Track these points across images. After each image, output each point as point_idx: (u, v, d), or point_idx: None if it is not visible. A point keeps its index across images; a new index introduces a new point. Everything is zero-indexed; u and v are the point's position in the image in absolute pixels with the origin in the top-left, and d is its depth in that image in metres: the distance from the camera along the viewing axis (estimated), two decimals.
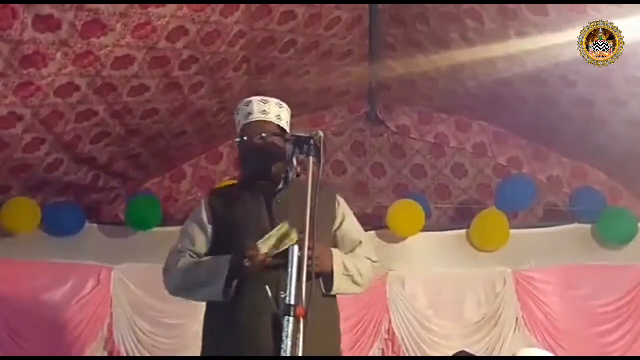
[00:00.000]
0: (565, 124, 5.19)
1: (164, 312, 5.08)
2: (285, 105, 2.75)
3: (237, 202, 2.65)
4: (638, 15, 3.33)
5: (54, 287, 5.05)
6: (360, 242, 2.75)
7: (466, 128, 6.18)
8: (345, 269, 2.57)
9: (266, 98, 2.71)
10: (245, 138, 2.63)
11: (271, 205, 2.60)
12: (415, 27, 4.89)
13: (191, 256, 2.64)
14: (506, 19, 4.14)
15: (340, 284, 2.55)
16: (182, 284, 2.60)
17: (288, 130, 2.71)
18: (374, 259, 2.76)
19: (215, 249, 2.65)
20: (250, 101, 2.69)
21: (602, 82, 4.27)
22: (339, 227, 2.74)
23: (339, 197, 2.81)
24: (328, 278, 2.52)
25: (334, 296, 2.64)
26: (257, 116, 2.65)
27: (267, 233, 2.42)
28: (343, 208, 2.79)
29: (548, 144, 5.89)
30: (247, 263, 2.36)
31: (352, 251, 2.71)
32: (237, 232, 2.58)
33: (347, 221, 2.78)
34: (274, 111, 2.68)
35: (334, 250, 2.60)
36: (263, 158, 2.58)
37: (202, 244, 2.67)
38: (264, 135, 2.55)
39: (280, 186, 2.61)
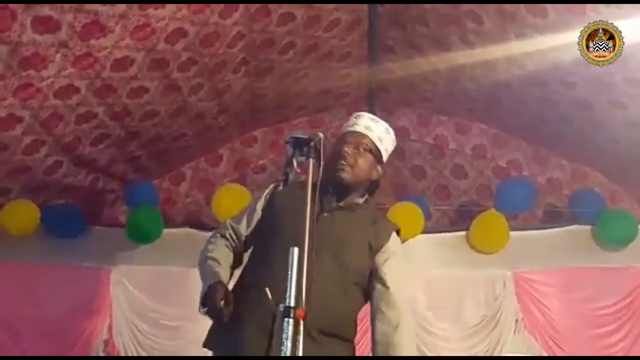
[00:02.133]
0: (564, 126, 5.19)
1: (163, 314, 5.08)
2: (392, 133, 2.66)
3: (291, 199, 2.50)
4: (637, 16, 3.33)
5: (54, 289, 5.04)
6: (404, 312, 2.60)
7: (465, 130, 6.18)
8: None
9: (377, 118, 2.64)
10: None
11: (320, 215, 2.48)
12: (415, 29, 4.89)
13: (230, 236, 2.62)
14: (505, 20, 4.14)
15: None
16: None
17: (384, 157, 2.63)
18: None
19: (255, 237, 2.63)
20: (362, 115, 2.64)
21: (602, 84, 4.27)
22: (378, 261, 2.57)
23: (395, 235, 2.63)
24: None
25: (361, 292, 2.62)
26: (360, 129, 2.59)
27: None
28: (394, 247, 2.61)
29: (548, 146, 5.88)
30: (201, 310, 2.33)
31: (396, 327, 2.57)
32: (275, 229, 2.54)
33: (392, 267, 2.58)
34: (377, 131, 2.61)
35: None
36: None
37: (244, 226, 2.64)
38: (364, 147, 2.51)
39: (281, 187, 2.54)
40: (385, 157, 2.64)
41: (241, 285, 2.52)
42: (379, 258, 2.57)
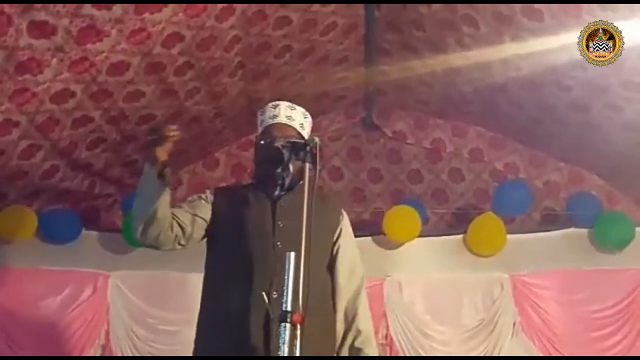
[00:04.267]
0: (561, 129, 5.20)
1: (161, 319, 5.07)
2: (309, 117, 2.75)
3: (241, 201, 2.66)
4: (633, 19, 3.33)
5: (51, 294, 5.03)
6: (362, 280, 2.76)
7: (462, 133, 6.18)
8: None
9: (293, 105, 2.71)
10: (262, 141, 2.63)
11: (275, 207, 2.60)
12: (411, 32, 4.89)
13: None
14: (501, 24, 4.15)
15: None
16: (138, 216, 2.65)
17: None
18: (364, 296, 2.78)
19: (214, 244, 2.68)
20: (278, 104, 2.69)
21: (598, 86, 4.28)
22: (337, 239, 2.74)
23: (343, 211, 2.82)
24: None
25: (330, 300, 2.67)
26: (282, 119, 2.65)
27: (268, 234, 2.47)
28: (345, 221, 2.80)
29: (544, 149, 5.89)
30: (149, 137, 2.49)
31: (355, 292, 2.71)
32: (237, 230, 2.59)
33: (346, 238, 2.77)
34: (298, 119, 2.68)
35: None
36: (279, 160, 2.53)
37: (205, 210, 2.72)
38: (289, 139, 2.53)
39: (277, 192, 2.61)
40: None
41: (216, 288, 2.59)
42: (336, 237, 2.73)
